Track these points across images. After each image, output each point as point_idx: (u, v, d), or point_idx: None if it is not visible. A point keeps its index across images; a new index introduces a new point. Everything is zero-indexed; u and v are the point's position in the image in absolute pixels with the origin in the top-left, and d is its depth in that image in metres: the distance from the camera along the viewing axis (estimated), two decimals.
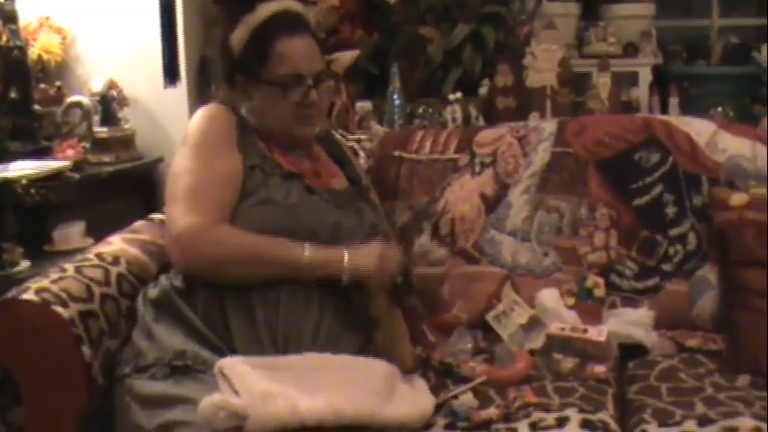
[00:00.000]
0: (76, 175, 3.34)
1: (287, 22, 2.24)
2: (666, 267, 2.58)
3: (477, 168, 2.77)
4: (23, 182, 3.11)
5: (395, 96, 3.74)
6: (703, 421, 2.02)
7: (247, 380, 1.82)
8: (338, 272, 2.05)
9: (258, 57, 2.22)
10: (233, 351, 1.97)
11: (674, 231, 2.61)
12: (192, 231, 2.04)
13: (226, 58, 2.30)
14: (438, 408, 2.10)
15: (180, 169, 2.16)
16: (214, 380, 1.86)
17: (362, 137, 2.97)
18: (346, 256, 2.06)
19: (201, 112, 2.26)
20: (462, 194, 2.74)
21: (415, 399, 2.05)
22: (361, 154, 2.87)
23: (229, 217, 2.10)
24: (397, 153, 2.86)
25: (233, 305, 2.03)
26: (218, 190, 2.11)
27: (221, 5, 2.37)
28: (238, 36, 2.25)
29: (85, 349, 2.05)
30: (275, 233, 2.07)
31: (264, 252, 2.05)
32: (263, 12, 2.24)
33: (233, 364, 1.87)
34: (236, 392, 1.80)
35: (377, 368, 2.03)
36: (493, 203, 2.72)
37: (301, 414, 1.79)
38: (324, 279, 2.06)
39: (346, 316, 2.12)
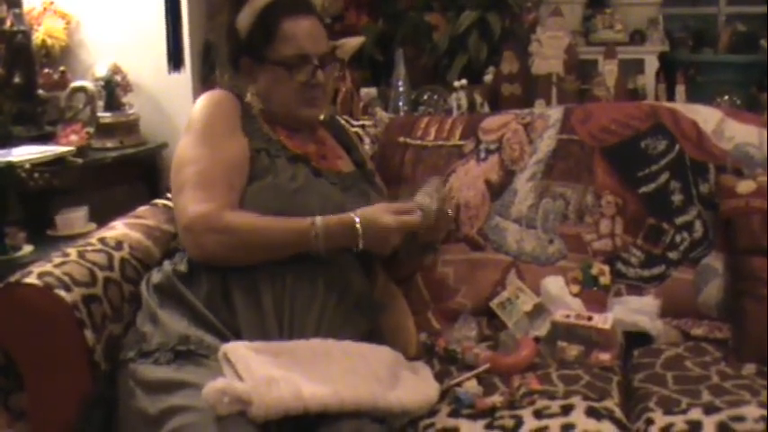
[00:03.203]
0: (80, 160, 3.34)
1: (292, 4, 2.25)
2: (672, 255, 2.57)
3: (483, 155, 2.76)
4: (27, 166, 3.11)
5: (400, 83, 3.73)
6: (709, 409, 2.01)
7: (251, 365, 1.82)
8: (352, 230, 2.05)
9: (264, 38, 2.22)
10: (237, 336, 1.97)
11: (680, 219, 2.59)
12: (202, 220, 2.03)
13: (231, 40, 2.31)
14: (442, 395, 2.09)
15: (185, 157, 2.15)
16: (218, 365, 1.86)
17: (367, 123, 2.96)
18: (357, 218, 2.05)
19: (204, 99, 2.26)
20: (467, 181, 2.73)
21: (419, 386, 2.04)
22: (366, 140, 2.85)
23: (238, 201, 2.09)
24: (401, 139, 2.85)
25: (238, 290, 2.03)
26: (226, 175, 2.10)
27: None
28: (244, 18, 2.26)
29: (88, 334, 2.04)
30: (282, 216, 2.06)
31: (277, 231, 2.05)
32: None
33: (237, 349, 1.87)
34: (239, 377, 1.80)
35: (381, 355, 2.02)
36: (498, 190, 2.70)
37: (305, 400, 1.79)
38: (338, 246, 2.06)
39: (351, 301, 2.12)
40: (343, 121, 2.66)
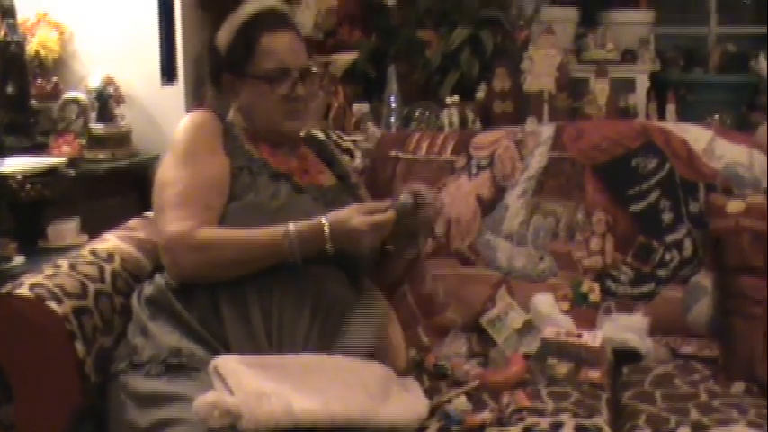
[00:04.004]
0: (72, 172, 3.34)
1: (271, 19, 2.29)
2: (662, 273, 2.58)
3: (474, 170, 2.77)
4: (19, 177, 3.11)
5: (392, 99, 3.73)
6: (698, 428, 2.02)
7: (242, 378, 1.82)
8: (321, 234, 2.05)
9: (244, 53, 2.25)
10: (227, 349, 1.97)
11: (670, 237, 2.61)
12: (177, 239, 2.04)
13: (212, 57, 2.35)
14: (432, 411, 2.10)
15: (165, 179, 2.17)
16: (209, 378, 1.86)
17: (358, 138, 2.97)
18: (324, 220, 2.06)
19: (187, 120, 2.28)
20: (459, 196, 2.74)
21: (409, 402, 2.05)
22: (357, 154, 2.86)
23: (217, 219, 2.10)
24: (393, 153, 2.86)
25: (227, 304, 2.03)
26: (204, 194, 2.12)
27: (206, 7, 2.42)
28: (224, 35, 2.30)
29: (79, 345, 2.04)
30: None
31: (252, 242, 2.05)
32: (248, 10, 2.30)
33: (228, 363, 1.87)
34: (230, 391, 1.80)
35: (372, 370, 2.03)
36: (489, 206, 2.72)
37: (295, 414, 1.79)
38: (312, 251, 2.06)
39: (339, 313, 2.12)
40: (322, 136, 2.68)
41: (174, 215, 2.07)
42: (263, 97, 2.25)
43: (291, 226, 2.04)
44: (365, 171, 2.80)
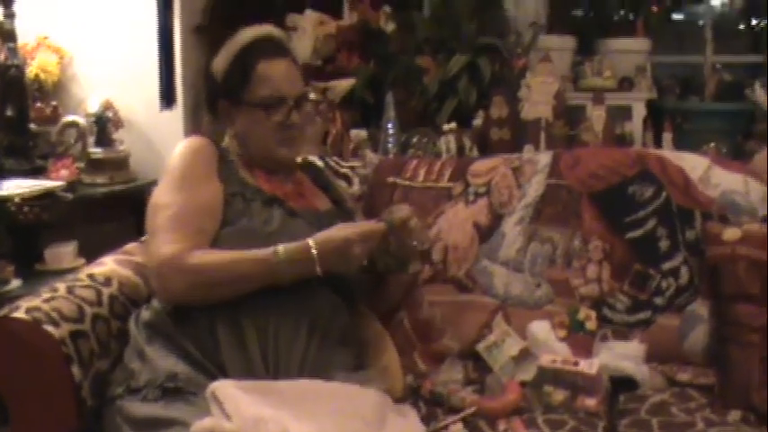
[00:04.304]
0: (70, 195, 3.35)
1: (268, 46, 2.31)
2: (658, 301, 2.58)
3: (471, 197, 2.77)
4: (17, 200, 3.11)
5: (389, 125, 3.75)
6: None
7: (239, 404, 1.81)
8: (308, 253, 2.05)
9: (241, 80, 2.27)
10: (224, 374, 1.97)
11: (666, 265, 2.61)
12: (168, 261, 2.03)
13: (208, 83, 2.36)
14: None
15: (159, 202, 2.17)
16: (206, 403, 1.85)
17: (356, 164, 2.98)
18: (311, 241, 2.06)
19: (182, 146, 2.28)
20: (456, 222, 2.74)
21: (405, 429, 2.04)
22: (355, 180, 2.87)
23: (209, 243, 2.10)
24: (390, 179, 2.87)
25: (224, 329, 2.03)
26: (197, 218, 2.12)
27: (202, 33, 2.43)
28: (220, 61, 2.32)
29: (75, 369, 2.04)
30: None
31: (239, 262, 2.05)
32: (244, 37, 2.32)
33: (225, 388, 1.86)
34: (227, 416, 1.79)
35: (368, 397, 2.02)
36: (486, 233, 2.72)
37: None
38: (302, 274, 2.06)
39: (335, 338, 2.12)
40: (319, 162, 2.71)
41: (166, 238, 2.07)
42: (259, 124, 2.26)
43: (281, 247, 2.05)
44: (363, 197, 2.81)
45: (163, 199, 2.17)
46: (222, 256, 2.06)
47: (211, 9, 4.00)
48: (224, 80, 2.30)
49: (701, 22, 5.27)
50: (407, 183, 2.86)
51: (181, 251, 2.03)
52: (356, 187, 2.85)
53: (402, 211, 2.23)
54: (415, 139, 3.82)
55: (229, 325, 2.03)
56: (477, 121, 3.89)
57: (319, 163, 2.68)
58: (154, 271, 2.08)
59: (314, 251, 2.04)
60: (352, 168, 2.93)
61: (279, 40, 2.37)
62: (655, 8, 5.07)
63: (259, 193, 2.23)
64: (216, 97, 2.33)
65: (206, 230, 2.12)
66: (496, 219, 2.73)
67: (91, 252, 2.83)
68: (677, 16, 5.88)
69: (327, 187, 2.50)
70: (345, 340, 2.16)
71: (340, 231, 2.09)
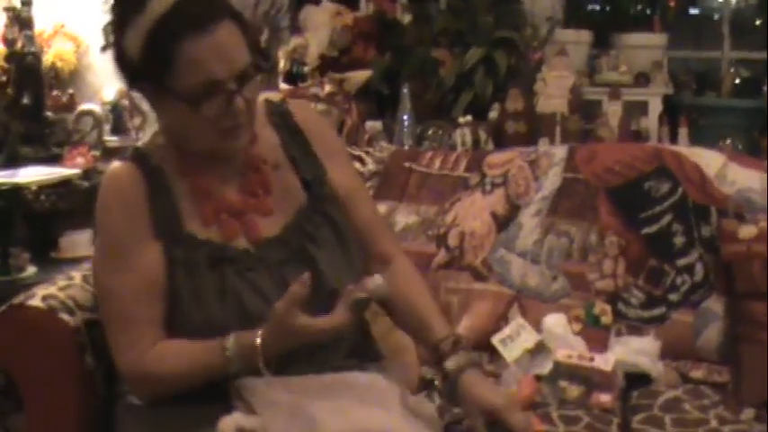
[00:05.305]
0: (86, 183, 3.36)
1: (190, 16, 1.72)
2: (673, 297, 2.57)
3: (488, 187, 2.77)
4: (33, 188, 3.12)
5: (405, 117, 3.75)
6: None
7: (265, 398, 1.76)
8: (254, 351, 1.75)
9: (160, 64, 1.73)
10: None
11: (681, 261, 2.60)
12: (128, 374, 1.87)
13: (122, 65, 1.81)
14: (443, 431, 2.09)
15: (100, 287, 1.92)
16: (224, 403, 1.78)
17: (371, 149, 2.98)
18: (258, 339, 1.74)
19: (104, 186, 1.91)
20: (473, 210, 2.74)
21: (423, 420, 2.01)
22: (369, 160, 2.87)
23: (163, 326, 1.84)
24: (407, 164, 2.87)
25: None
26: (143, 308, 1.83)
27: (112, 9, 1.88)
28: (133, 39, 1.74)
29: (89, 359, 2.04)
30: (220, 333, 1.79)
31: (198, 370, 1.80)
32: (158, 7, 1.73)
33: (249, 383, 1.79)
34: (253, 411, 1.76)
35: (390, 387, 1.95)
36: (503, 222, 2.71)
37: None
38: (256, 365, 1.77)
39: (343, 352, 1.97)
40: (299, 107, 2.10)
41: (119, 341, 1.86)
42: (190, 118, 1.76)
43: (229, 349, 1.76)
44: (378, 175, 2.81)
45: (102, 281, 1.90)
46: (177, 363, 1.82)
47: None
48: (141, 62, 1.75)
49: (716, 17, 5.26)
50: (424, 169, 2.86)
51: (138, 358, 1.82)
52: (371, 166, 2.84)
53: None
54: (430, 132, 3.82)
55: None
56: (493, 115, 3.90)
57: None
58: (124, 377, 1.91)
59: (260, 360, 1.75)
60: (366, 152, 2.93)
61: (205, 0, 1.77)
62: (672, 3, 5.06)
63: (204, 248, 1.84)
64: (135, 80, 1.81)
65: (156, 317, 1.83)
66: (514, 209, 2.72)
67: None
68: (694, 11, 5.86)
69: (301, 155, 1.99)
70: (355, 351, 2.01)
71: (294, 337, 1.75)
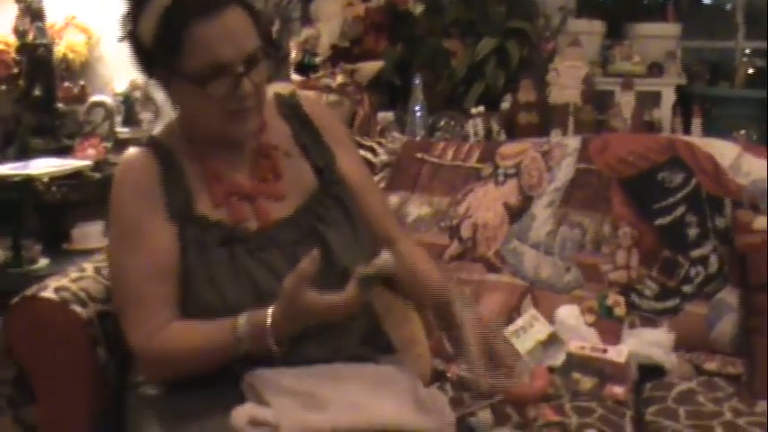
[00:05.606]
0: (97, 175, 3.36)
1: (199, 0, 1.80)
2: (687, 289, 2.56)
3: (501, 178, 2.77)
4: (45, 180, 3.12)
5: (417, 108, 3.73)
6: None
7: (277, 389, 1.76)
8: (264, 331, 1.76)
9: (170, 48, 1.80)
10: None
11: (695, 253, 2.59)
12: (140, 352, 1.87)
13: (135, 50, 1.88)
14: (456, 423, 2.08)
15: (114, 267, 1.95)
16: (235, 393, 1.79)
17: (383, 140, 2.98)
18: (269, 317, 1.75)
19: (119, 171, 1.97)
20: (486, 201, 2.74)
21: (437, 411, 2.01)
22: (380, 151, 2.87)
23: (176, 305, 1.86)
24: (419, 155, 2.87)
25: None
26: (156, 285, 1.85)
27: None
28: (146, 26, 1.83)
29: (101, 351, 2.04)
30: (234, 312, 1.81)
31: (209, 348, 1.82)
32: None
33: (261, 374, 1.79)
34: (265, 402, 1.76)
35: (403, 379, 1.96)
36: (516, 213, 2.71)
37: (333, 422, 1.73)
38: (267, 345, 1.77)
39: (355, 342, 1.97)
40: (308, 100, 2.20)
41: (132, 320, 1.87)
42: (200, 100, 1.83)
43: (240, 328, 1.77)
44: (389, 165, 2.80)
45: (116, 261, 1.93)
46: (190, 343, 1.83)
47: None
48: (153, 47, 1.83)
49: (728, 6, 5.23)
50: (436, 160, 2.85)
51: (149, 336, 1.84)
52: (383, 157, 2.84)
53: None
54: (442, 123, 3.81)
55: None
56: (505, 105, 3.88)
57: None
58: (136, 358, 1.92)
59: (271, 341, 1.76)
60: (379, 143, 2.93)
61: None
62: None
63: (215, 229, 1.88)
64: (149, 66, 1.89)
65: (169, 296, 1.85)
66: (526, 200, 2.72)
67: None
68: (707, 0, 5.83)
69: (311, 143, 2.05)
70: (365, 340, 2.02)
71: (303, 315, 1.75)
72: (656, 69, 4.31)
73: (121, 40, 1.91)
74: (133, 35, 1.87)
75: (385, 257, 1.77)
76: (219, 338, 1.79)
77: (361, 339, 1.97)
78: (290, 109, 2.06)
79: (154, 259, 1.85)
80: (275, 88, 3.60)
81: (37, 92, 3.52)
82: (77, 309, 2.02)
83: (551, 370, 2.31)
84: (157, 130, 2.14)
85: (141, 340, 1.85)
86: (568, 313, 2.46)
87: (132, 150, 1.97)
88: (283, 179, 1.96)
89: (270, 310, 1.75)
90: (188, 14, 1.78)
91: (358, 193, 2.04)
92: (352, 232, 1.96)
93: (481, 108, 3.78)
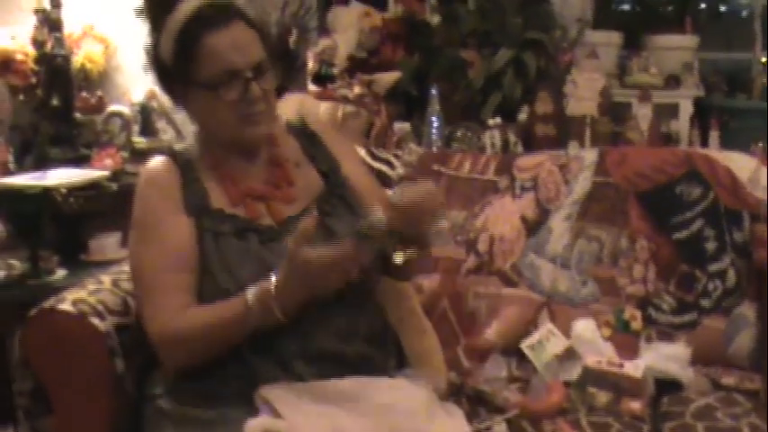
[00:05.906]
0: (114, 185, 3.36)
1: (212, 16, 1.99)
2: (705, 303, 2.55)
3: (518, 191, 2.76)
4: (63, 190, 3.13)
5: (434, 119, 3.74)
6: None
7: (290, 403, 1.78)
8: (268, 297, 1.85)
9: (187, 59, 1.99)
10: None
11: (713, 267, 2.58)
12: (158, 338, 1.93)
13: (156, 67, 2.07)
14: None
15: (133, 260, 2.04)
16: (250, 406, 1.82)
17: (399, 153, 2.99)
18: (272, 285, 1.85)
19: (141, 176, 2.10)
20: (503, 215, 2.73)
21: (452, 426, 2.01)
22: (397, 164, 2.88)
23: (193, 294, 1.95)
24: (436, 167, 2.87)
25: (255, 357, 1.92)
26: (174, 274, 1.95)
27: (143, 15, 2.12)
28: (165, 42, 2.02)
29: (119, 362, 2.05)
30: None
31: (222, 324, 1.90)
32: (184, 10, 2.01)
33: (274, 389, 1.83)
34: (279, 415, 1.77)
35: (416, 392, 1.97)
36: (533, 227, 2.71)
37: None
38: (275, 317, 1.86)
39: (362, 343, 2.01)
40: (319, 122, 2.43)
41: (151, 309, 1.95)
42: (214, 106, 1.99)
43: (249, 298, 1.86)
44: (405, 179, 2.81)
45: (135, 255, 2.03)
46: (205, 320, 1.91)
47: None
48: (172, 62, 2.01)
49: (744, 13, 5.21)
50: (453, 173, 2.85)
51: (166, 322, 1.91)
52: (399, 170, 2.84)
53: (414, 191, 1.93)
54: (459, 134, 3.80)
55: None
56: (522, 117, 3.87)
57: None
58: (155, 346, 1.96)
59: (275, 304, 1.85)
60: (395, 156, 2.93)
61: (224, 4, 2.04)
62: (702, 5, 5.03)
63: (230, 221, 2.01)
64: (169, 82, 2.07)
65: (185, 284, 1.95)
66: (544, 213, 2.72)
67: None
68: (723, 8, 5.82)
69: (317, 153, 2.20)
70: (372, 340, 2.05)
71: (304, 276, 1.83)
72: (673, 81, 4.30)
73: (148, 67, 2.10)
74: (155, 55, 2.06)
75: (377, 213, 1.86)
76: (231, 311, 1.89)
77: (368, 339, 2.01)
78: (297, 127, 2.24)
79: (170, 249, 1.97)
80: (292, 98, 3.62)
81: (55, 102, 3.53)
82: (95, 321, 2.03)
83: (567, 384, 2.31)
84: (177, 145, 2.30)
85: (159, 327, 1.93)
86: (585, 327, 2.45)
87: (154, 159, 2.12)
88: (294, 186, 2.12)
89: (273, 278, 1.85)
90: (200, 29, 1.98)
91: (363, 195, 2.16)
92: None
93: (498, 119, 3.78)
